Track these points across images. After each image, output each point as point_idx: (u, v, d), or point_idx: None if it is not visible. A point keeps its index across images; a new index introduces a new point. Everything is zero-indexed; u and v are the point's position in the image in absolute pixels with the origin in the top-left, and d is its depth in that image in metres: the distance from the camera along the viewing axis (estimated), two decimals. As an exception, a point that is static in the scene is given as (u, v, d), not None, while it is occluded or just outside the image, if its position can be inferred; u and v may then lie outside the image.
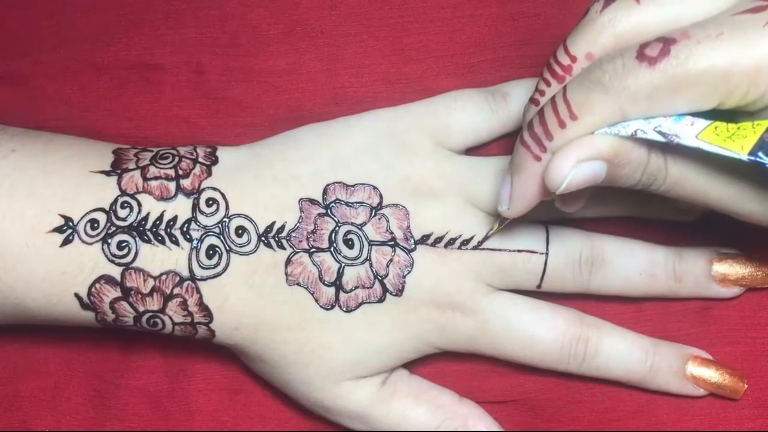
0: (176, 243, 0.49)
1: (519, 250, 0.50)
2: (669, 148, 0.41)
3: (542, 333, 0.51)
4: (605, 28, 0.41)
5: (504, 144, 0.54)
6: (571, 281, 0.51)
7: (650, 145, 0.41)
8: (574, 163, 0.40)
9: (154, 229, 0.49)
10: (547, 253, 0.50)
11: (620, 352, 0.51)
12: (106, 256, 0.48)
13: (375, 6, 0.54)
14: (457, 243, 0.50)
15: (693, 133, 0.39)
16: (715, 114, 0.40)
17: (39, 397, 0.56)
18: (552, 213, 0.50)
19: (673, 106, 0.39)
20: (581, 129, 0.41)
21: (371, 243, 0.50)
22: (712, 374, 0.51)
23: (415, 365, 0.54)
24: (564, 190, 0.41)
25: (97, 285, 0.48)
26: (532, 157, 0.42)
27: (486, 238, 0.50)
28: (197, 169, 0.50)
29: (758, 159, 0.38)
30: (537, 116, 0.42)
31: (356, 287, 0.50)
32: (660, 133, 0.40)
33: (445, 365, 0.55)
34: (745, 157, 0.38)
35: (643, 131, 0.40)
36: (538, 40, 0.54)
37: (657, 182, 0.42)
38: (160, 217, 0.49)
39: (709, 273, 0.52)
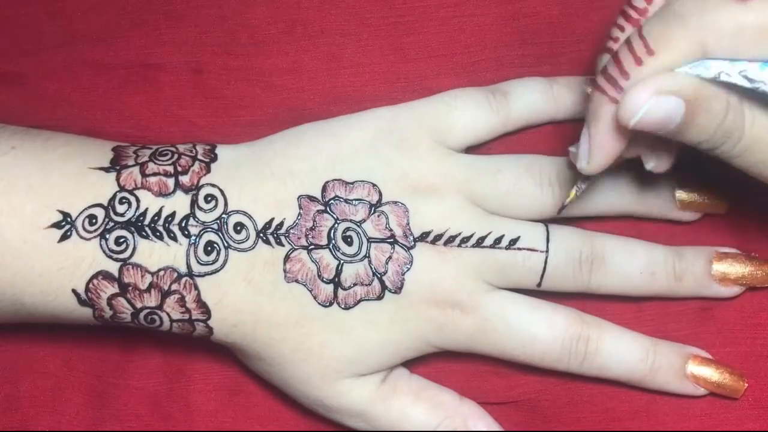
0: (174, 239, 0.49)
1: (519, 248, 0.50)
2: (750, 106, 0.40)
3: (542, 332, 0.51)
4: None
5: (504, 143, 0.54)
6: (572, 280, 0.51)
7: (732, 100, 0.40)
8: (652, 93, 0.39)
9: (153, 225, 0.49)
10: (547, 252, 0.50)
11: (621, 351, 0.51)
12: (104, 251, 0.48)
13: (375, 5, 0.54)
14: (457, 240, 0.50)
15: None
16: None
17: (39, 397, 0.56)
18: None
19: (760, 48, 0.38)
20: (660, 65, 0.40)
21: (370, 240, 0.50)
22: (712, 373, 0.51)
23: (415, 365, 0.54)
24: (637, 125, 0.40)
25: (95, 281, 0.48)
26: (608, 100, 0.42)
27: (563, 207, 0.50)
28: (196, 166, 0.50)
29: None
30: (611, 58, 0.41)
31: (355, 284, 0.49)
32: (746, 78, 0.38)
33: (445, 365, 0.55)
34: None
35: (727, 74, 0.39)
36: (538, 39, 0.54)
37: (729, 142, 0.42)
38: (159, 213, 0.49)
39: (709, 272, 0.52)
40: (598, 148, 0.44)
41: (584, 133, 0.44)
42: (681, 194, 0.52)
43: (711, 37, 0.38)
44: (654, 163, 0.47)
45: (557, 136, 0.54)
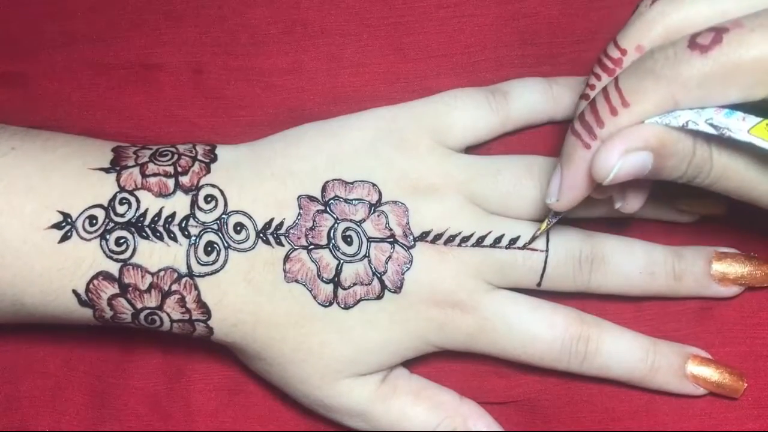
0: (174, 239, 0.49)
1: (519, 248, 0.50)
2: (715, 140, 0.42)
3: (542, 331, 0.51)
4: (655, 21, 0.43)
5: (504, 143, 0.54)
6: (572, 279, 0.51)
7: (696, 136, 0.42)
8: (621, 153, 0.41)
9: (153, 226, 0.49)
10: (547, 251, 0.50)
11: (621, 350, 0.51)
12: (104, 252, 0.48)
13: (375, 5, 0.54)
14: (457, 240, 0.50)
15: (745, 128, 0.40)
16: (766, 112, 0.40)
17: (39, 397, 0.56)
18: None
19: (724, 95, 0.40)
20: (633, 117, 0.41)
21: (370, 240, 0.50)
22: (712, 373, 0.51)
23: (414, 365, 0.54)
24: (611, 181, 0.41)
25: (95, 281, 0.48)
26: (582, 145, 0.43)
27: (533, 238, 0.50)
28: (196, 167, 0.50)
29: None
30: (588, 106, 0.43)
31: (354, 284, 0.50)
32: (712, 125, 0.40)
33: (444, 365, 0.55)
34: None
35: (694, 122, 0.40)
36: (538, 40, 0.54)
37: (702, 174, 0.43)
38: (159, 214, 0.49)
39: (708, 272, 0.52)
40: (568, 188, 0.45)
41: (556, 172, 0.45)
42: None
43: (680, 90, 0.40)
44: (622, 204, 0.48)
45: (557, 136, 0.54)
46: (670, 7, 0.42)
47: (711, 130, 0.40)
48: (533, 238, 0.50)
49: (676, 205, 0.53)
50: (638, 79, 0.41)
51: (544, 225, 0.49)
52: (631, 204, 0.48)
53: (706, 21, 0.41)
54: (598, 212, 0.52)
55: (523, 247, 0.50)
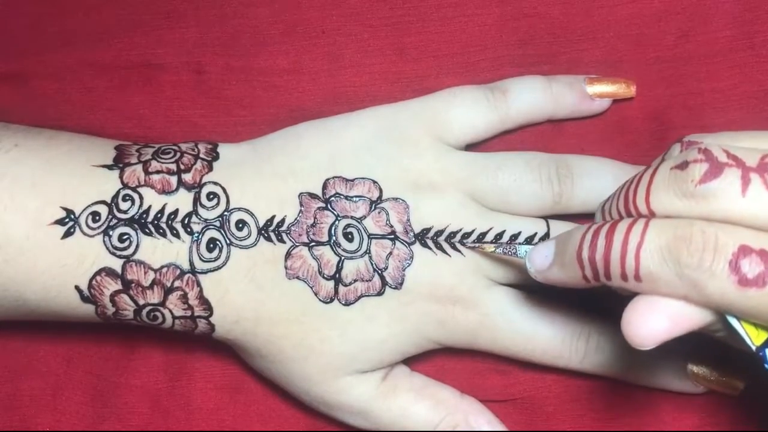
0: (177, 236, 0.49)
1: (520, 244, 0.50)
2: None
3: (542, 328, 0.51)
4: (698, 204, 0.38)
5: (504, 141, 0.54)
6: None
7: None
8: (667, 331, 0.38)
9: (156, 222, 0.49)
10: None
11: (621, 348, 0.51)
12: (107, 248, 0.48)
13: (376, 5, 0.54)
14: (458, 237, 0.50)
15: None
16: None
17: (39, 396, 0.56)
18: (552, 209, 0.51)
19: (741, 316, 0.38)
20: (638, 291, 0.39)
21: (371, 236, 0.50)
22: (711, 372, 0.51)
23: (415, 363, 0.54)
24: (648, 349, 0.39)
25: (98, 277, 0.48)
26: (581, 276, 0.41)
27: (476, 244, 0.50)
28: (198, 164, 0.51)
29: (764, 355, 0.37)
30: (604, 244, 0.39)
31: (355, 280, 0.50)
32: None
33: (445, 363, 0.55)
34: (753, 347, 0.37)
35: None
36: (539, 39, 0.54)
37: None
38: (162, 210, 0.49)
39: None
40: (551, 280, 0.44)
41: (549, 251, 0.44)
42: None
43: (697, 298, 0.37)
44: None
45: (556, 134, 0.54)
46: (719, 198, 0.37)
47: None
48: (474, 246, 0.50)
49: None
50: (662, 263, 0.38)
51: (491, 249, 0.49)
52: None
53: (754, 221, 0.37)
54: None
55: (471, 244, 0.50)
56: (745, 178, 0.37)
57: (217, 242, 0.49)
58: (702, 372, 0.52)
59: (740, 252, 0.36)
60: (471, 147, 0.54)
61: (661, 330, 0.38)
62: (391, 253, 0.50)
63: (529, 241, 0.50)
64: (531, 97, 0.53)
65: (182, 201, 0.49)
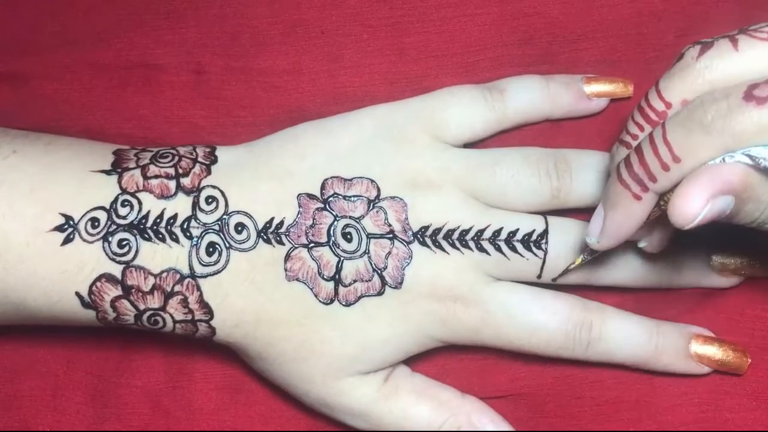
0: (176, 241, 0.49)
1: (519, 240, 0.50)
2: None
3: (546, 320, 0.51)
4: (701, 74, 0.42)
5: (502, 139, 0.54)
6: (572, 272, 0.51)
7: None
8: (707, 199, 0.40)
9: (155, 227, 0.49)
10: (547, 244, 0.51)
11: (624, 334, 0.51)
12: (106, 254, 0.48)
13: (375, 6, 0.54)
14: (456, 234, 0.50)
15: None
16: None
17: (39, 397, 0.56)
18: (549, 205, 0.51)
19: None
20: (685, 171, 0.41)
21: (369, 236, 0.50)
22: (716, 351, 0.52)
23: (415, 362, 0.54)
24: (691, 228, 0.40)
25: (98, 283, 0.48)
26: (632, 196, 0.43)
27: (566, 271, 0.51)
28: (197, 168, 0.50)
29: None
30: (636, 156, 0.43)
31: (355, 281, 0.50)
32: (748, 156, 0.39)
33: (445, 362, 0.55)
34: None
35: (731, 156, 0.40)
36: (538, 39, 0.54)
37: None
38: (161, 215, 0.49)
39: (708, 262, 0.53)
40: (612, 233, 0.45)
41: (599, 214, 0.46)
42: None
43: (732, 142, 0.39)
44: (647, 244, 0.48)
45: (554, 132, 0.55)
46: (717, 60, 0.41)
47: (747, 161, 0.39)
48: (565, 272, 0.51)
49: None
50: (689, 132, 0.40)
51: (578, 260, 0.50)
52: (656, 245, 0.48)
53: (755, 74, 0.40)
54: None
55: (554, 281, 0.51)
56: (733, 39, 0.41)
57: (217, 246, 0.49)
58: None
59: (749, 88, 0.39)
60: (469, 146, 0.54)
61: (702, 201, 0.40)
62: (390, 253, 0.50)
63: (527, 237, 0.50)
64: (528, 96, 0.53)
65: (181, 205, 0.49)
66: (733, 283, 0.53)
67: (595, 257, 0.50)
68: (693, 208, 0.40)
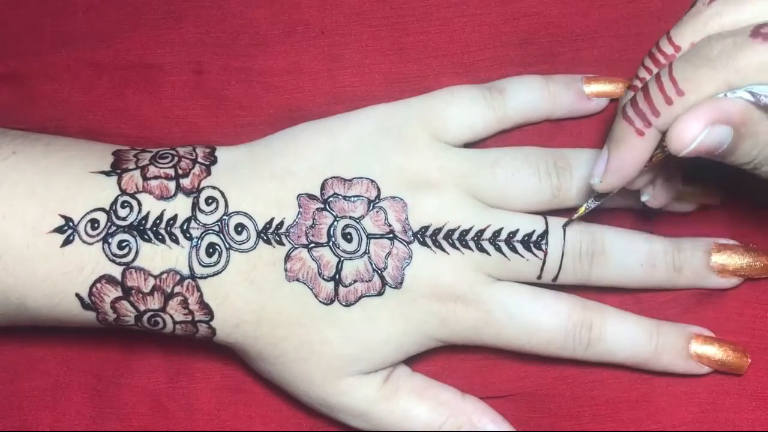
0: (176, 242, 0.49)
1: (519, 240, 0.50)
2: None
3: (545, 320, 0.51)
4: (712, 19, 0.42)
5: (502, 139, 0.54)
6: (572, 272, 0.51)
7: None
8: (705, 125, 0.40)
9: (155, 228, 0.49)
10: (547, 244, 0.51)
11: (625, 334, 0.51)
12: (106, 255, 0.48)
13: (375, 6, 0.54)
14: (456, 234, 0.50)
15: None
16: None
17: (39, 397, 0.56)
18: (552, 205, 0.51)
19: None
20: (687, 105, 0.41)
21: (370, 236, 0.50)
22: (716, 351, 0.52)
23: (415, 362, 0.54)
24: (688, 153, 0.41)
25: (98, 285, 0.48)
26: (635, 131, 0.43)
27: (571, 221, 0.51)
28: (197, 169, 0.50)
29: None
30: (641, 93, 0.43)
31: (355, 281, 0.50)
32: (750, 93, 0.40)
33: (445, 362, 0.55)
34: None
35: (732, 90, 0.40)
36: (538, 39, 0.54)
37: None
38: (160, 216, 0.49)
39: (707, 263, 0.52)
40: (614, 171, 0.46)
41: (603, 154, 0.46)
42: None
43: (736, 77, 0.40)
44: (649, 197, 0.49)
45: (554, 132, 0.55)
46: (728, 6, 0.42)
47: (749, 97, 0.40)
48: (570, 221, 0.51)
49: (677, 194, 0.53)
50: (694, 67, 0.41)
51: (582, 209, 0.50)
52: (659, 198, 0.48)
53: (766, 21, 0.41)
54: (622, 203, 0.53)
55: (565, 225, 0.51)
56: None
57: (217, 247, 0.49)
58: (706, 351, 0.52)
59: (757, 27, 0.40)
60: (469, 146, 0.54)
61: (700, 126, 0.40)
62: (390, 253, 0.50)
63: (527, 238, 0.50)
64: (528, 96, 0.53)
65: (181, 206, 0.49)
66: (732, 284, 0.53)
67: (601, 202, 0.50)
68: (690, 132, 0.40)
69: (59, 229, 0.48)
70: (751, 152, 0.42)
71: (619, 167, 0.45)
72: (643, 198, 0.49)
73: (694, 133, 0.40)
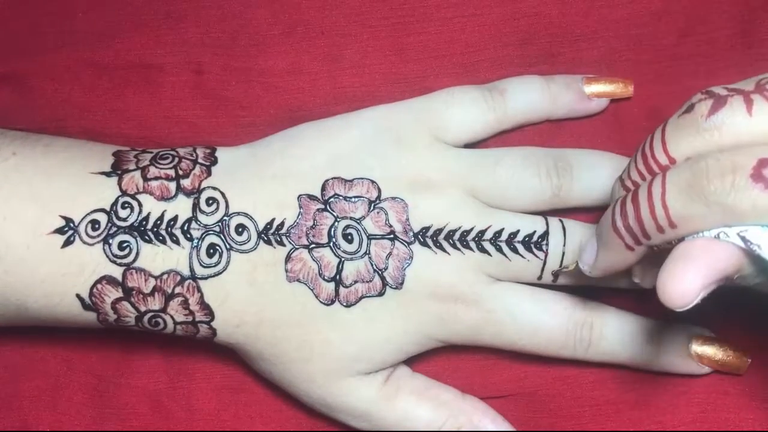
0: (177, 242, 0.49)
1: (520, 241, 0.50)
2: None
3: (546, 319, 0.51)
4: (711, 135, 0.39)
5: (502, 139, 0.54)
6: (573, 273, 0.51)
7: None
8: (701, 287, 0.38)
9: (155, 229, 0.49)
10: (547, 245, 0.51)
11: (625, 334, 0.52)
12: (107, 256, 0.48)
13: (375, 6, 0.54)
14: (457, 235, 0.50)
15: None
16: None
17: (39, 397, 0.56)
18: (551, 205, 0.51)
19: None
20: (679, 235, 0.39)
21: (370, 237, 0.50)
22: (716, 351, 0.52)
23: (415, 362, 0.54)
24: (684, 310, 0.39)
25: (99, 285, 0.48)
26: (624, 246, 0.42)
27: (559, 272, 0.51)
28: (197, 170, 0.50)
29: None
30: (632, 207, 0.41)
31: (356, 281, 0.50)
32: (742, 239, 0.38)
33: (446, 362, 0.55)
34: None
35: (725, 234, 0.38)
36: (538, 39, 0.54)
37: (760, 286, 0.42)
38: (161, 217, 0.49)
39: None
40: (602, 268, 0.45)
41: (591, 245, 0.45)
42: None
43: (731, 219, 0.38)
44: (641, 281, 0.47)
45: (555, 133, 0.55)
46: (729, 122, 0.38)
47: (740, 243, 0.38)
48: (558, 272, 0.51)
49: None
50: (689, 201, 0.38)
51: (572, 266, 0.49)
52: (649, 281, 0.47)
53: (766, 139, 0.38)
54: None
55: (554, 278, 0.51)
56: (748, 100, 0.38)
57: (217, 247, 0.49)
58: (706, 352, 0.52)
59: (759, 165, 0.37)
60: (469, 146, 0.54)
61: (696, 283, 0.38)
62: (390, 253, 0.50)
63: (528, 238, 0.50)
64: (529, 97, 0.53)
65: (181, 207, 0.49)
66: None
67: None
68: (687, 294, 0.38)
69: (60, 230, 0.48)
70: (736, 282, 0.40)
71: (607, 266, 0.44)
72: (635, 279, 0.47)
73: (690, 295, 0.38)
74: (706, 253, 0.38)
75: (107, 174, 0.50)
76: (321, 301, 0.50)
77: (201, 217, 0.49)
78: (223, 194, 0.50)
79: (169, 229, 0.49)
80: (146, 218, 0.49)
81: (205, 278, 0.49)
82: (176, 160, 0.51)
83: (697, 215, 0.38)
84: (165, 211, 0.49)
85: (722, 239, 0.38)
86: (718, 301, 0.50)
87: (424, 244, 0.50)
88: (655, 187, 0.40)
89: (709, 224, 0.38)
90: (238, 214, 0.50)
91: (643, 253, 0.42)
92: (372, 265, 0.50)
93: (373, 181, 0.51)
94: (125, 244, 0.48)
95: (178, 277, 0.49)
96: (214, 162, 0.51)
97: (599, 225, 0.44)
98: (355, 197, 0.50)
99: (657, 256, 0.42)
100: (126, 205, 0.49)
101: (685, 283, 0.38)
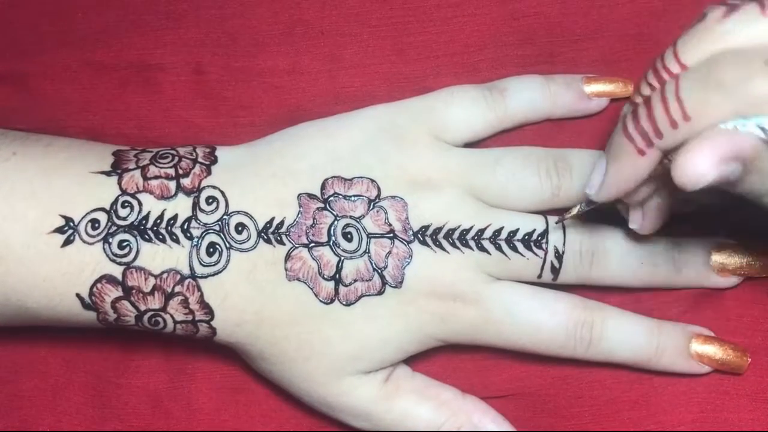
0: (177, 241, 0.49)
1: (519, 240, 0.50)
2: None
3: (546, 319, 0.51)
4: (723, 39, 0.39)
5: (503, 139, 0.54)
6: (572, 272, 0.51)
7: None
8: (716, 164, 0.38)
9: (155, 228, 0.49)
10: (547, 243, 0.51)
11: (625, 334, 0.51)
12: (107, 255, 0.48)
13: (375, 6, 0.54)
14: (456, 233, 0.50)
15: None
16: None
17: (39, 397, 0.56)
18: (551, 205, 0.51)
19: None
20: (693, 131, 0.39)
21: (370, 236, 0.50)
22: (716, 351, 0.52)
23: (415, 362, 0.54)
24: (697, 188, 0.39)
25: (99, 285, 0.48)
26: (635, 150, 0.42)
27: (563, 219, 0.50)
28: (197, 169, 0.50)
29: None
30: (644, 109, 0.41)
31: (355, 280, 0.50)
32: (762, 129, 0.38)
33: (446, 362, 0.55)
34: None
35: (743, 125, 0.38)
36: (538, 39, 0.54)
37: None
38: (161, 216, 0.49)
39: (707, 262, 0.52)
40: (610, 184, 0.45)
41: (600, 165, 0.45)
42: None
43: (748, 106, 0.38)
44: (638, 226, 0.48)
45: (555, 132, 0.55)
46: (742, 25, 0.39)
47: (760, 134, 0.38)
48: (562, 219, 0.50)
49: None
50: (704, 91, 0.38)
51: (575, 210, 0.49)
52: (647, 227, 0.48)
53: None
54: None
55: (558, 222, 0.51)
56: (762, 3, 0.39)
57: (217, 246, 0.49)
58: (707, 351, 0.52)
59: None
60: (469, 146, 0.54)
61: (712, 164, 0.38)
62: (390, 252, 0.50)
63: (528, 237, 0.50)
64: (529, 96, 0.53)
65: (181, 206, 0.49)
66: (732, 283, 0.53)
67: (592, 208, 0.49)
68: (700, 170, 0.38)
69: (60, 230, 0.48)
70: (754, 185, 0.40)
71: (616, 182, 0.44)
72: (631, 226, 0.48)
73: (704, 171, 0.38)
74: (722, 136, 0.38)
75: (107, 173, 0.50)
76: (321, 300, 0.50)
77: (201, 216, 0.49)
78: (222, 193, 0.50)
79: (169, 228, 0.49)
80: (146, 217, 0.49)
81: (205, 277, 0.49)
82: (176, 159, 0.51)
83: (713, 103, 0.38)
84: (165, 210, 0.49)
85: (740, 129, 0.38)
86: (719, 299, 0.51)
87: (424, 243, 0.50)
88: (668, 87, 0.40)
89: (725, 113, 0.38)
90: (238, 213, 0.50)
91: (655, 162, 0.42)
92: (371, 263, 0.50)
93: (372, 180, 0.51)
94: (125, 243, 0.48)
95: (178, 276, 0.49)
96: (214, 161, 0.51)
97: (609, 140, 0.44)
98: (354, 196, 0.50)
99: (656, 203, 0.44)
100: (126, 204, 0.49)
101: (700, 158, 0.38)
